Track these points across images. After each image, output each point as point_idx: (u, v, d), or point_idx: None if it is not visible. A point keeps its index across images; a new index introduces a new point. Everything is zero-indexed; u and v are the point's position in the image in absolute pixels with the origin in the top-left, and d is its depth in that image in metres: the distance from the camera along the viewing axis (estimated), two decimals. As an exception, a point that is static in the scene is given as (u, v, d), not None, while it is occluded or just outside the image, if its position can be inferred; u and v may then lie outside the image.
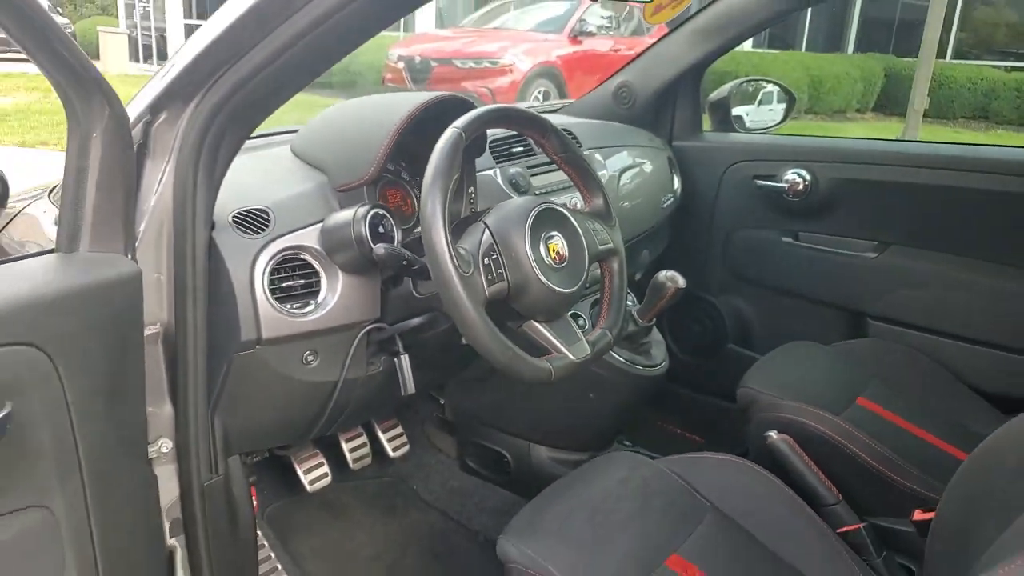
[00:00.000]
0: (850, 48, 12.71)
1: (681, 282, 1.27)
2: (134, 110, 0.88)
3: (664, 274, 1.27)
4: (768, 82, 2.04)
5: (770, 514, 1.09)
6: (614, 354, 1.34)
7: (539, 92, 7.55)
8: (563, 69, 7.79)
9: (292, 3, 0.79)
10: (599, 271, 1.15)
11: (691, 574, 0.97)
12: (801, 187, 1.68)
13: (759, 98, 2.11)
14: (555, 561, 0.92)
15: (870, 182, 1.62)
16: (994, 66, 10.94)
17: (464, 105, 1.14)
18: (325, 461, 1.45)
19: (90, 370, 0.77)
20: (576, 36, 7.96)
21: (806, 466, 1.21)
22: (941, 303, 1.57)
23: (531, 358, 0.95)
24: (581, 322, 1.23)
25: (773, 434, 1.25)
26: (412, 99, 1.12)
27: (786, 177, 1.69)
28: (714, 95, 1.90)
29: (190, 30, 13.36)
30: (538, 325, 1.01)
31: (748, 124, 2.05)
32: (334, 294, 1.03)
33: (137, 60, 14.24)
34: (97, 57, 13.15)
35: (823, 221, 1.70)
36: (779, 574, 1.00)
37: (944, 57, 11.59)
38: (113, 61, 12.71)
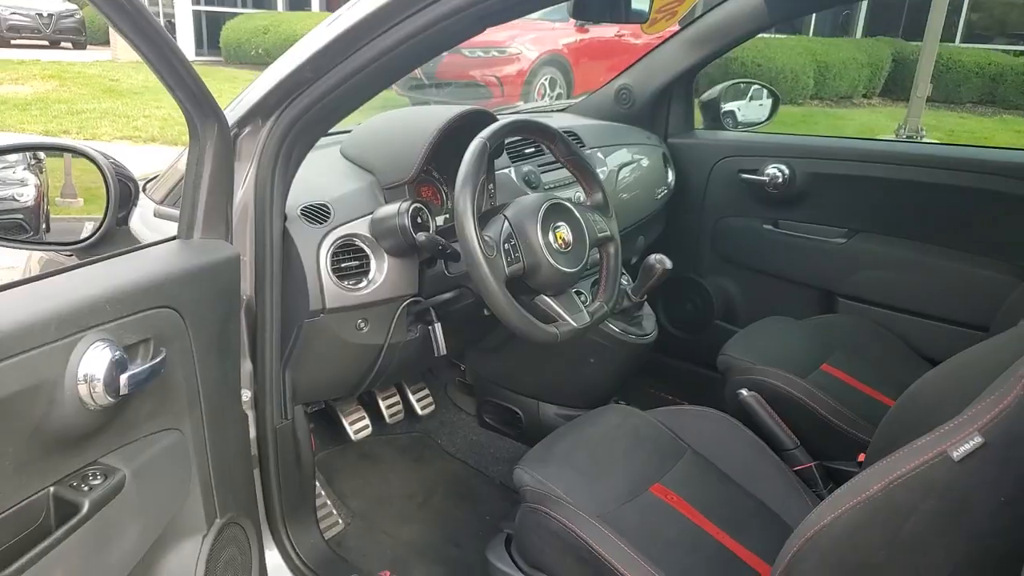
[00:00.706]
0: (858, 32, 12.68)
1: (668, 264, 1.49)
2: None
3: (654, 257, 1.49)
4: (756, 83, 2.25)
5: (738, 455, 1.31)
6: (611, 325, 1.56)
7: (546, 80, 7.69)
8: (569, 57, 7.92)
9: (354, 43, 1.01)
10: (598, 255, 1.38)
11: (670, 498, 1.19)
12: (780, 180, 1.90)
13: (750, 94, 2.32)
14: (560, 483, 1.14)
15: (841, 176, 1.84)
16: (1003, 50, 10.89)
17: (487, 118, 1.37)
18: (366, 415, 1.69)
19: (207, 329, 0.99)
20: (582, 24, 8.07)
21: (770, 417, 1.44)
22: (900, 283, 1.79)
23: (541, 324, 1.19)
24: (583, 298, 1.46)
25: (744, 392, 1.48)
26: (444, 113, 1.35)
27: (767, 171, 1.91)
28: (706, 96, 2.12)
29: (198, 17, 13.43)
30: (547, 299, 1.25)
31: (740, 118, 2.26)
32: (381, 273, 1.26)
33: (150, 46, 14.34)
34: (107, 44, 13.27)
35: (799, 210, 1.91)
36: (742, 500, 1.23)
37: (953, 40, 11.56)
38: (123, 48, 12.82)
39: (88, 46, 14.12)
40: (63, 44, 13.93)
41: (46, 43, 13.63)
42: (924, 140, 6.87)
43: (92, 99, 8.63)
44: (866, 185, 1.80)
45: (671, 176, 2.03)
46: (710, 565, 1.08)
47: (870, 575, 0.79)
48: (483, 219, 1.26)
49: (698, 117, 2.18)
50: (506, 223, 1.21)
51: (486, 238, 1.17)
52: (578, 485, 1.14)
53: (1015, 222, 1.62)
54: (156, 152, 6.32)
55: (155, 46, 0.88)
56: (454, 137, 1.31)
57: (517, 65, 7.54)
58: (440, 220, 1.39)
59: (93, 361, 0.77)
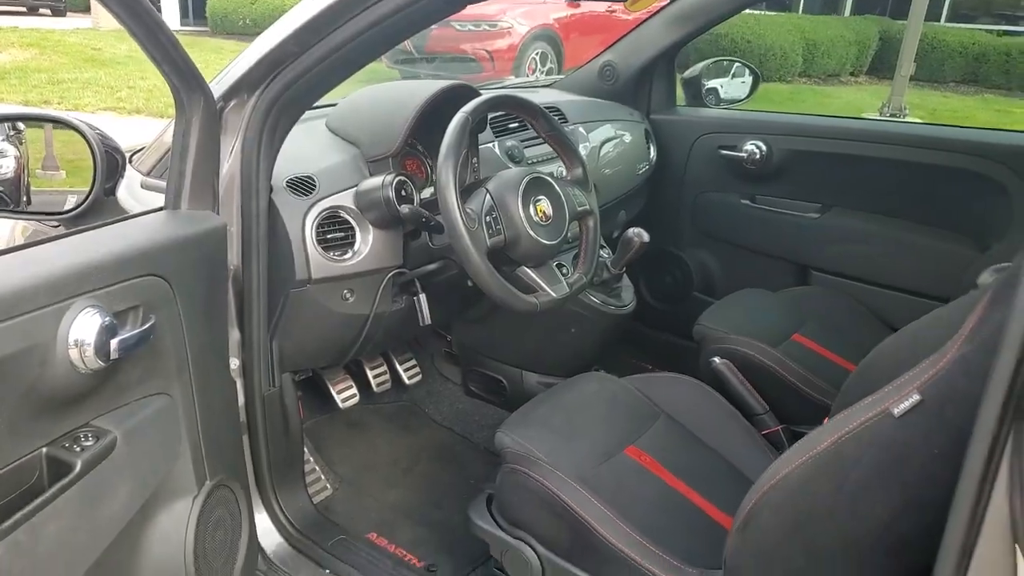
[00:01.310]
0: (847, 10, 12.70)
1: (646, 237, 1.53)
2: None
3: (632, 231, 1.54)
4: (737, 61, 2.29)
5: (709, 419, 1.37)
6: (591, 296, 1.61)
7: (536, 54, 7.66)
8: (560, 32, 7.87)
9: (335, 20, 1.04)
10: (578, 228, 1.43)
11: (644, 460, 1.25)
12: (758, 156, 1.94)
13: (732, 72, 2.36)
14: (538, 445, 1.18)
15: (815, 153, 1.89)
16: (987, 30, 10.97)
17: (470, 92, 1.40)
18: (354, 384, 1.74)
19: (194, 297, 1.02)
20: (573, -1, 8.04)
21: (740, 383, 1.50)
22: (870, 256, 1.85)
23: (522, 294, 1.23)
24: (565, 270, 1.50)
25: (717, 359, 1.54)
26: (428, 87, 1.38)
27: (745, 148, 1.95)
28: (687, 73, 2.15)
29: (184, -8, 13.26)
30: (528, 270, 1.30)
31: (722, 95, 2.30)
32: (366, 245, 1.30)
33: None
34: (88, 11, 12.96)
35: (775, 186, 1.97)
36: (711, 461, 1.28)
37: (939, 20, 11.62)
38: (105, 16, 12.51)
39: (68, 13, 13.83)
40: (41, 11, 13.64)
41: (24, 9, 13.34)
42: (907, 119, 6.94)
43: (74, 68, 8.48)
44: (839, 162, 1.85)
45: (653, 152, 2.07)
46: (679, 521, 1.14)
47: (817, 523, 0.86)
48: (466, 192, 1.30)
49: (681, 95, 2.21)
50: (488, 196, 1.25)
51: (468, 210, 1.21)
52: (556, 447, 1.19)
53: (976, 197, 1.67)
54: (142, 124, 6.26)
55: (139, 18, 0.90)
56: (438, 111, 1.34)
57: (508, 39, 7.50)
58: (425, 193, 1.43)
59: (83, 326, 0.81)
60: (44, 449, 0.83)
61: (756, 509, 0.90)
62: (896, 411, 0.77)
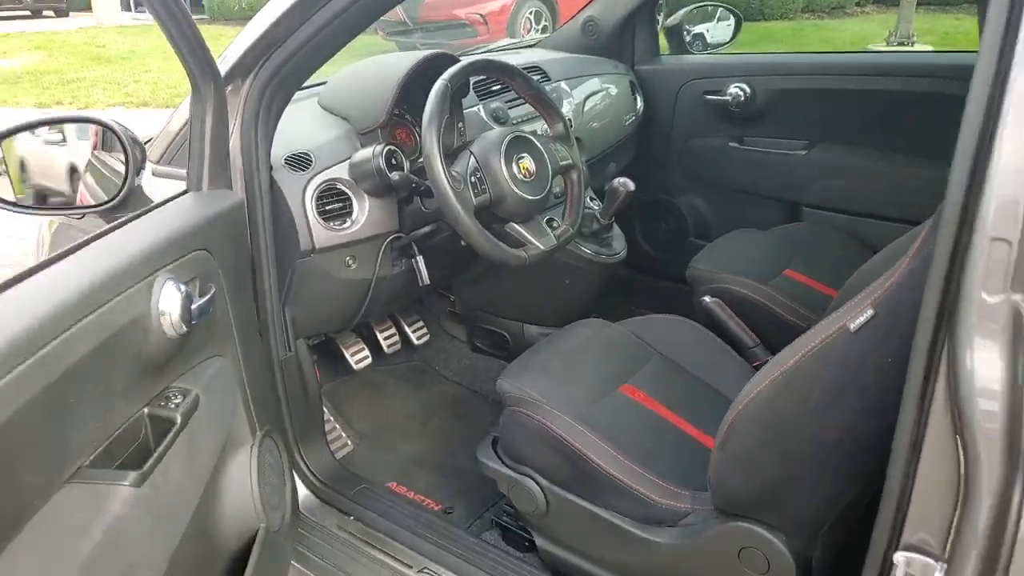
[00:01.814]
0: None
1: (631, 186, 1.59)
2: None
3: (618, 181, 1.59)
4: (720, 5, 2.30)
5: (701, 355, 1.43)
6: (583, 247, 1.68)
7: (530, 14, 7.56)
8: (554, -11, 7.79)
9: (316, 3, 1.10)
10: (563, 183, 1.49)
11: (638, 396, 1.32)
12: (742, 99, 1.97)
13: (717, 16, 2.38)
14: (536, 388, 1.25)
15: (798, 91, 1.92)
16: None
17: (449, 60, 1.46)
18: (365, 346, 1.84)
19: (230, 266, 1.12)
20: (565, -47, 7.89)
21: (730, 318, 1.57)
22: (857, 189, 1.89)
23: (510, 248, 1.31)
24: (555, 224, 1.57)
25: (707, 298, 1.60)
26: (408, 59, 1.44)
27: (730, 91, 1.99)
28: (668, 21, 2.18)
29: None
30: (516, 225, 1.37)
31: (709, 40, 2.32)
32: (364, 213, 1.38)
33: (129, 8, 14.10)
34: (89, 9, 13.06)
35: (761, 126, 2.00)
36: (702, 393, 1.35)
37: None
38: (105, 13, 12.58)
39: (70, 12, 13.92)
40: (45, 13, 13.73)
41: (28, 13, 13.44)
42: (915, 46, 6.79)
43: (81, 68, 8.62)
44: (821, 97, 1.88)
45: (639, 103, 2.11)
46: (671, 448, 1.22)
47: (788, 434, 0.93)
48: (452, 155, 1.37)
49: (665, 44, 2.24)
50: (472, 158, 1.32)
51: (454, 173, 1.28)
52: (553, 389, 1.26)
53: (958, 122, 1.70)
54: (150, 116, 6.37)
55: (169, 11, 0.98)
56: (423, 81, 1.40)
57: (500, 1, 7.43)
58: (416, 160, 1.50)
59: (168, 297, 0.91)
60: (145, 409, 0.93)
61: (733, 426, 0.97)
62: (852, 326, 0.84)
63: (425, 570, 1.28)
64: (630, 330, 1.46)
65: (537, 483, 1.23)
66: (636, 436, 1.21)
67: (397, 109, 1.48)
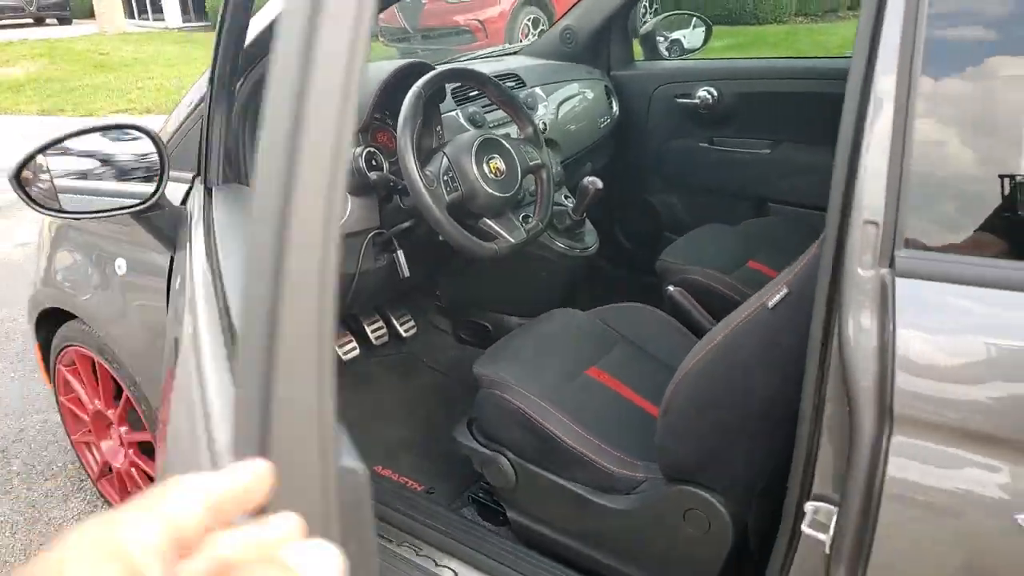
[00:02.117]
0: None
1: (599, 184, 1.69)
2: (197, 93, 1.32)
3: (587, 179, 1.69)
4: (693, 15, 2.41)
5: (665, 340, 1.53)
6: (557, 242, 1.78)
7: (528, 19, 7.68)
8: (550, -5, 7.90)
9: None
10: (535, 182, 1.59)
11: (604, 378, 1.41)
12: (710, 101, 2.08)
13: (692, 23, 2.49)
14: (510, 372, 1.34)
15: (761, 94, 2.03)
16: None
17: (425, 68, 1.57)
18: (354, 339, 1.95)
19: None
20: (561, -41, 7.99)
21: (693, 307, 1.67)
22: (820, 184, 1.98)
23: (482, 242, 1.42)
24: (531, 220, 1.67)
25: (671, 288, 1.71)
26: (387, 67, 1.56)
27: (699, 94, 2.10)
28: (643, 29, 2.29)
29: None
30: (488, 220, 1.48)
31: (686, 45, 2.43)
32: (346, 210, 1.49)
33: (132, 16, 14.29)
34: (92, 16, 13.22)
35: (729, 127, 2.11)
36: (663, 374, 1.41)
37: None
38: (108, 20, 12.73)
39: (73, 20, 14.10)
40: (48, 20, 13.91)
41: (31, 21, 13.63)
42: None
43: (84, 75, 8.74)
44: (783, 100, 1.99)
45: (615, 107, 2.22)
46: (629, 423, 1.31)
47: (719, 404, 1.04)
48: (428, 156, 1.47)
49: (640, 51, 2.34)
50: (445, 158, 1.43)
51: (427, 172, 1.39)
52: (524, 372, 1.35)
53: None
54: (154, 122, 6.47)
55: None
56: (403, 87, 1.51)
57: (498, 7, 7.52)
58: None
59: None
60: None
61: (671, 397, 1.08)
62: (770, 304, 0.94)
63: (405, 543, 1.38)
64: (599, 318, 1.55)
65: (508, 459, 1.32)
66: (599, 414, 1.31)
67: (378, 113, 1.59)
